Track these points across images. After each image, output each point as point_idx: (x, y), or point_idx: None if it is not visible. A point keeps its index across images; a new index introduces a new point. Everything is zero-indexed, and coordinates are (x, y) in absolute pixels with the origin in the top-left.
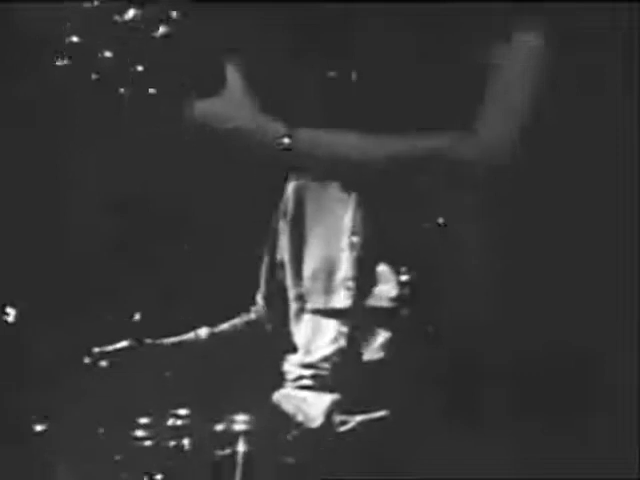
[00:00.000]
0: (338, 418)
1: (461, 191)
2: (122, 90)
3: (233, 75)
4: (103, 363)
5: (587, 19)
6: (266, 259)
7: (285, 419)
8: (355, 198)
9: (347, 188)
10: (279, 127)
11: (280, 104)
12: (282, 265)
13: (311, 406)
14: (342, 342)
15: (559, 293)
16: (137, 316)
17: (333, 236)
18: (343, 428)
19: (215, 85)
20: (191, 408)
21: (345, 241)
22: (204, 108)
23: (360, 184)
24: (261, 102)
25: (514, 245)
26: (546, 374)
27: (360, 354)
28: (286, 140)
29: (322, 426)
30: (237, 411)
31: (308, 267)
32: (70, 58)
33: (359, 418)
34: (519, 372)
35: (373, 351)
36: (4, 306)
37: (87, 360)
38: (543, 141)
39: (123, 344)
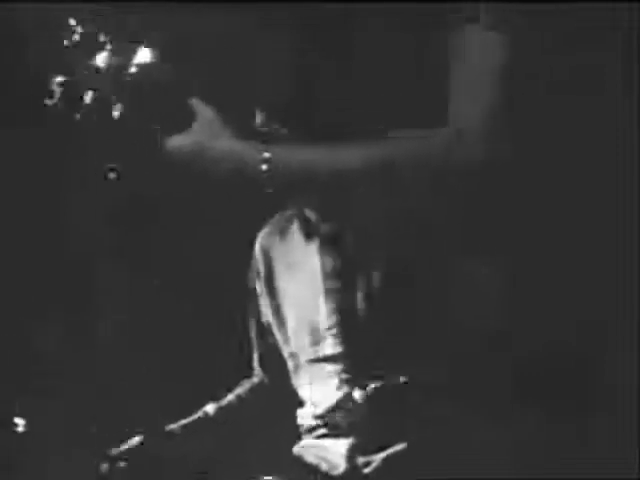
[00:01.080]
0: (361, 460)
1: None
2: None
3: (202, 107)
4: (121, 464)
5: (587, 19)
6: (253, 323)
7: (309, 471)
8: (319, 242)
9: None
10: (257, 148)
11: (255, 125)
12: (269, 326)
13: (332, 453)
14: (344, 387)
15: (559, 293)
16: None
17: (308, 287)
18: (368, 469)
19: (185, 120)
20: None
21: (320, 289)
22: (178, 143)
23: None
24: (235, 129)
25: (512, 246)
26: (546, 374)
27: (365, 394)
28: (266, 155)
29: (346, 471)
30: (262, 476)
31: (291, 324)
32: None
33: (381, 455)
34: (519, 372)
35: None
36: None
37: (104, 468)
38: (538, 141)
39: (134, 441)
